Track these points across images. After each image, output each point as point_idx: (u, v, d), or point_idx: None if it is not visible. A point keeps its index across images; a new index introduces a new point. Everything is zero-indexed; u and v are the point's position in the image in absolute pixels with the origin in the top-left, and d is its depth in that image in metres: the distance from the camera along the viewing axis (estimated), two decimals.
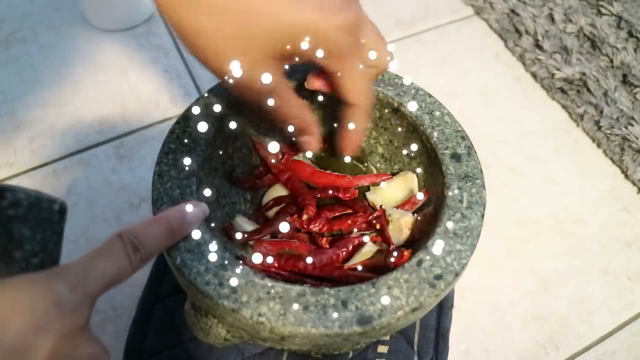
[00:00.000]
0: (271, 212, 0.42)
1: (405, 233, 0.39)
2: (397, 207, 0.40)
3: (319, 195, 0.41)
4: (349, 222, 0.40)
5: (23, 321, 0.23)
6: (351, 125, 0.37)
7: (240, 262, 0.32)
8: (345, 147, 0.39)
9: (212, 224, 0.38)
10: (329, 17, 0.30)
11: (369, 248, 0.38)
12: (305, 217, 0.39)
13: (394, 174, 0.43)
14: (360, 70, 0.33)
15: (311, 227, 0.40)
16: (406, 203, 0.41)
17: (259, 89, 0.32)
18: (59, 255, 0.26)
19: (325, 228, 0.40)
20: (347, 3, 0.31)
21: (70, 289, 0.24)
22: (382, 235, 0.39)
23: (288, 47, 0.30)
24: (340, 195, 0.41)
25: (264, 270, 0.37)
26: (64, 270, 0.25)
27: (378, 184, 0.42)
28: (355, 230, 0.41)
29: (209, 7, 0.29)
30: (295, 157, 0.45)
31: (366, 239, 0.39)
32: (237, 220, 0.41)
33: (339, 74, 0.33)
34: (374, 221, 0.40)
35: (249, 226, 0.40)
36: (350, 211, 0.41)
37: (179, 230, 0.31)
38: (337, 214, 0.41)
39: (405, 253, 0.35)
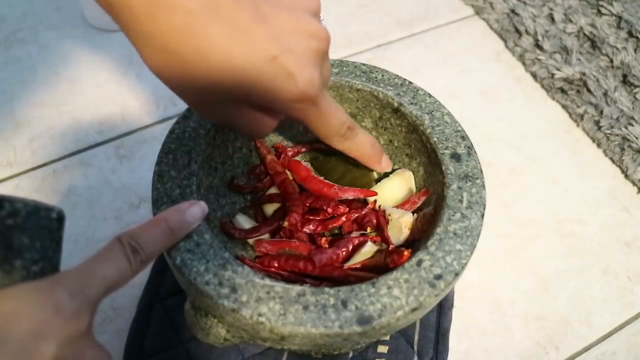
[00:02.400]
0: (270, 211, 0.42)
1: (405, 233, 0.39)
2: (396, 207, 0.40)
3: (308, 204, 0.41)
4: (343, 218, 0.40)
5: (25, 329, 0.23)
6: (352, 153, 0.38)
7: (240, 262, 0.32)
8: (373, 168, 0.41)
9: (212, 224, 0.38)
10: (292, 86, 0.29)
11: (369, 248, 0.38)
12: (285, 223, 0.39)
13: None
14: (322, 123, 0.33)
15: (304, 229, 0.40)
16: (406, 203, 0.41)
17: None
18: (59, 263, 0.26)
19: (320, 228, 0.40)
20: (315, 57, 0.30)
21: (70, 295, 0.25)
22: (381, 235, 0.39)
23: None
24: (329, 210, 0.41)
25: (264, 270, 0.37)
26: (64, 277, 0.25)
27: (363, 199, 0.42)
28: (353, 229, 0.41)
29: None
30: (296, 158, 0.45)
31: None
32: (238, 218, 0.41)
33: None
34: (367, 217, 0.40)
35: (249, 224, 0.40)
36: (345, 210, 0.41)
37: (178, 230, 0.31)
38: (331, 215, 0.41)
39: (405, 253, 0.35)
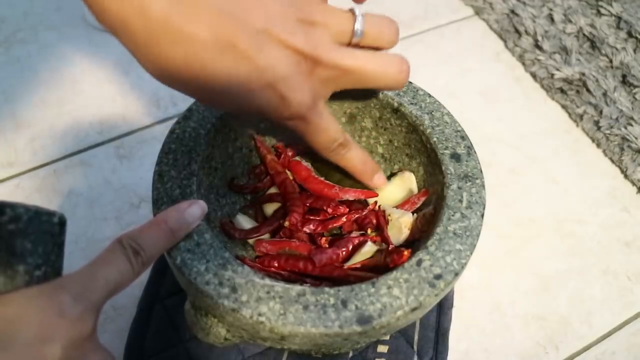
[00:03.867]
0: (270, 211, 0.42)
1: (405, 233, 0.39)
2: (396, 207, 0.41)
3: (308, 204, 0.41)
4: (344, 219, 0.40)
5: (29, 333, 0.23)
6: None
7: (240, 262, 0.33)
8: (365, 183, 0.41)
9: (212, 224, 0.38)
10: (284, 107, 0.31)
11: (369, 248, 0.38)
12: (286, 223, 0.39)
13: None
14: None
15: (304, 229, 0.40)
16: (406, 203, 0.41)
17: None
18: (61, 267, 0.27)
19: (320, 228, 0.40)
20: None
21: (73, 299, 0.25)
22: (381, 235, 0.39)
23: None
24: (329, 211, 0.41)
25: (264, 270, 0.37)
26: (66, 281, 0.26)
27: (364, 200, 0.42)
28: (353, 229, 0.41)
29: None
30: (296, 158, 0.45)
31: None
32: (238, 218, 0.41)
33: None
34: (367, 219, 0.40)
35: (249, 224, 0.41)
36: (346, 210, 0.41)
37: (178, 230, 0.31)
38: (331, 215, 0.41)
39: (405, 253, 0.35)
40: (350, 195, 0.41)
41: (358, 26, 0.32)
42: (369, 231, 0.40)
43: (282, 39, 0.30)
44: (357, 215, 0.40)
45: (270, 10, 0.30)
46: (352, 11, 0.33)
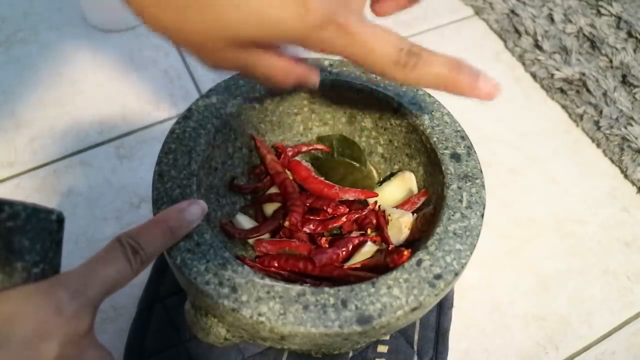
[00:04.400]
0: (270, 211, 0.42)
1: (405, 233, 0.39)
2: (396, 207, 0.41)
3: (308, 204, 0.41)
4: (344, 219, 0.40)
5: (27, 329, 0.23)
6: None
7: (240, 261, 0.33)
8: (468, 94, 0.29)
9: (212, 224, 0.38)
10: (300, 20, 0.23)
11: (369, 248, 0.38)
12: (286, 223, 0.39)
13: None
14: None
15: (304, 229, 0.40)
16: (406, 203, 0.41)
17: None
18: (59, 264, 0.27)
19: (320, 228, 0.40)
20: None
21: (71, 296, 0.25)
22: (381, 235, 0.39)
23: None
24: (329, 211, 0.41)
25: (264, 270, 0.37)
26: (64, 278, 0.26)
27: (364, 200, 0.42)
28: (353, 229, 0.41)
29: None
30: (296, 158, 0.45)
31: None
32: (238, 218, 0.41)
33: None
34: (367, 219, 0.40)
35: (249, 224, 0.41)
36: (346, 210, 0.41)
37: (178, 230, 0.31)
38: (331, 215, 0.41)
39: (405, 253, 0.35)
40: (350, 195, 0.41)
41: None
42: (369, 231, 0.40)
43: None
44: (357, 215, 0.40)
45: None
46: None
